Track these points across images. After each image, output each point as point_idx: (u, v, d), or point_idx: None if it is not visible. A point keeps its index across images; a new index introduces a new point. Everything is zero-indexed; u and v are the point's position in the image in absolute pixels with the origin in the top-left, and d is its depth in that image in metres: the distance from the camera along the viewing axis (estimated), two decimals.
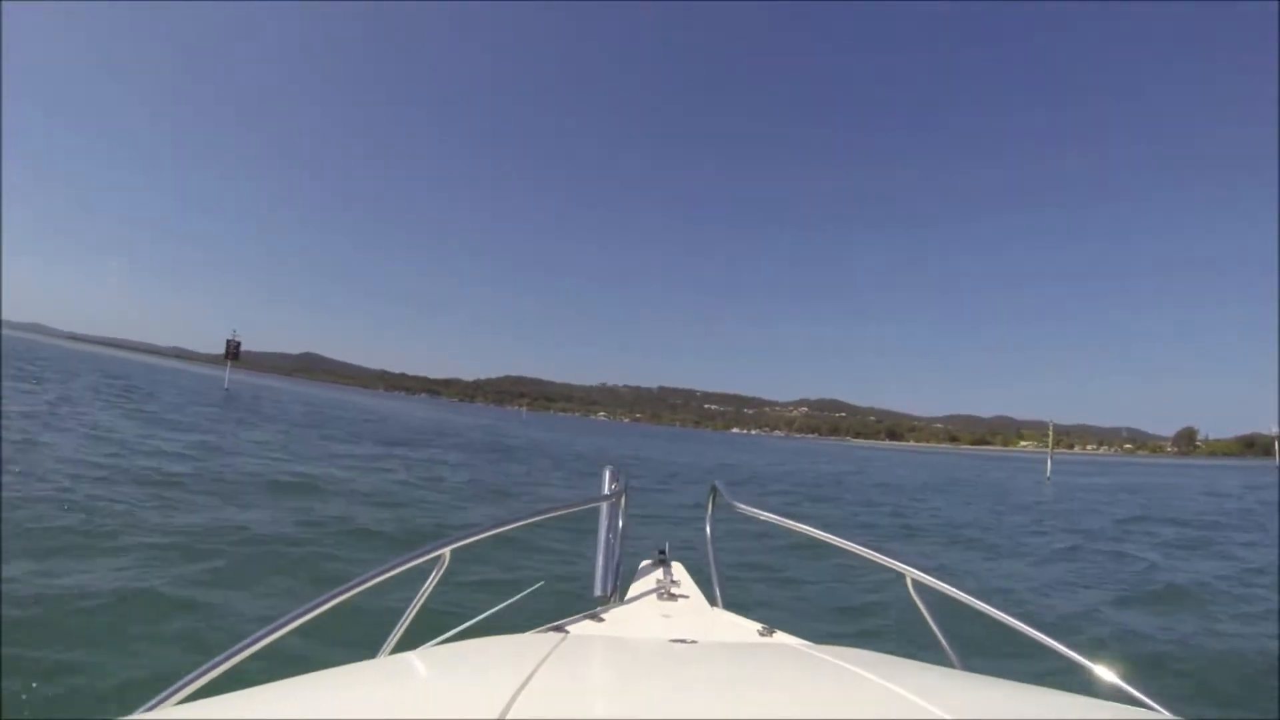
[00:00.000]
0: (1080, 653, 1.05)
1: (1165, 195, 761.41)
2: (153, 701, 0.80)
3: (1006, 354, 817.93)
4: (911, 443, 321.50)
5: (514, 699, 0.60)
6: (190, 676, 0.84)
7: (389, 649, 1.17)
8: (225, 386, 33.98)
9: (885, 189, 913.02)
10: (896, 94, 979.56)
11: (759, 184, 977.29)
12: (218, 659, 0.89)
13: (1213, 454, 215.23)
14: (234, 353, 34.83)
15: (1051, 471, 29.69)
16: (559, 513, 1.74)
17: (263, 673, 0.79)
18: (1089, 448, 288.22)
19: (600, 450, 25.84)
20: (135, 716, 0.69)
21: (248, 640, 0.92)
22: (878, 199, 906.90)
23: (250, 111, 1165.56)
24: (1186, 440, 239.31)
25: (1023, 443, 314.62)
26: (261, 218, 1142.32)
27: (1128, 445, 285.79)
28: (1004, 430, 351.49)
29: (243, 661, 0.91)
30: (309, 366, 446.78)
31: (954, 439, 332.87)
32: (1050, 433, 35.48)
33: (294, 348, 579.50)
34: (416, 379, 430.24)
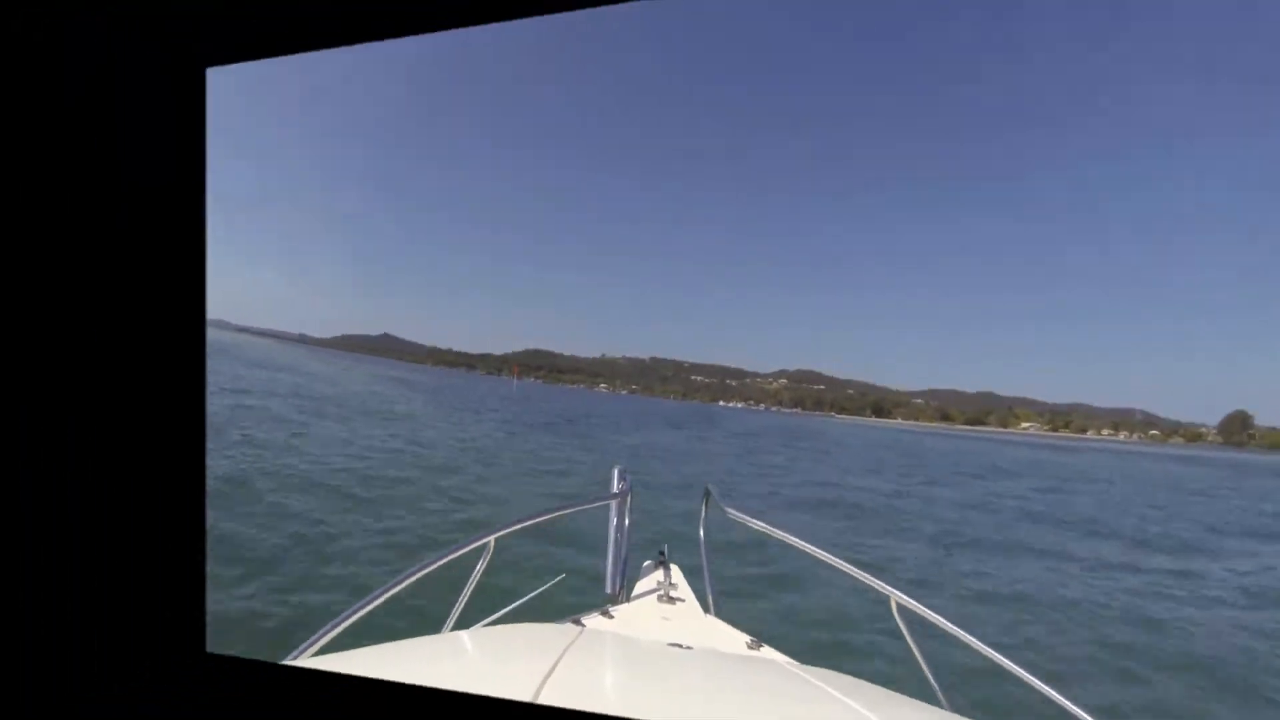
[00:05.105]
0: (1072, 700, 1.05)
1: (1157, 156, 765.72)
2: (295, 652, 1.05)
3: (987, 325, 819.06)
4: (899, 420, 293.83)
5: (542, 685, 0.68)
6: (319, 634, 1.11)
7: (450, 625, 1.46)
8: None
9: (859, 157, 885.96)
10: (879, 56, 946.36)
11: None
12: (337, 619, 1.16)
13: (1273, 446, 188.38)
14: None
15: None
16: (576, 509, 2.01)
17: (364, 636, 1.05)
18: (1104, 432, 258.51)
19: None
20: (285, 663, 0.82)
21: (347, 611, 1.18)
22: (845, 166, 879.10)
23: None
24: (1238, 426, 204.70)
25: (1024, 424, 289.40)
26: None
27: (1153, 431, 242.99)
28: (994, 407, 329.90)
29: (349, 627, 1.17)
30: (385, 347, 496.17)
31: (947, 417, 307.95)
32: None
33: (374, 330, 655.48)
34: (459, 354, 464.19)
